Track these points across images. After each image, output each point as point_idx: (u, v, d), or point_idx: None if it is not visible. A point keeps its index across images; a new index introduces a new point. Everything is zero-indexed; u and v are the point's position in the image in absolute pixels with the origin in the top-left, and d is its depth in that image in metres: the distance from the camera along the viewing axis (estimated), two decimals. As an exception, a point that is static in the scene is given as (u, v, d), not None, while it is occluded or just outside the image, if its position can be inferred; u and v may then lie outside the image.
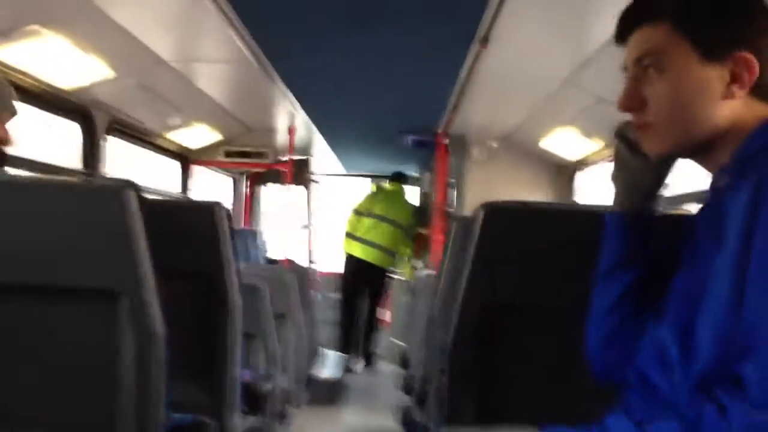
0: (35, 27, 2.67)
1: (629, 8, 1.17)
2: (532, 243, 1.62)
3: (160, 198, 4.50)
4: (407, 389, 3.59)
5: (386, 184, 6.87)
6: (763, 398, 0.90)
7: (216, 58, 3.57)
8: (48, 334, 1.57)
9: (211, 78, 4.04)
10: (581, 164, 4.93)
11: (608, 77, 3.09)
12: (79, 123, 3.76)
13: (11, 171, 2.33)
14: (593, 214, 1.66)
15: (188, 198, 5.57)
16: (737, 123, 1.07)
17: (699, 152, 1.13)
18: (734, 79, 1.06)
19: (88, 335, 1.56)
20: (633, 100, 1.14)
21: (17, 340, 1.57)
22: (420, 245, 6.85)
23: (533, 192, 5.20)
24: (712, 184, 1.13)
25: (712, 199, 1.12)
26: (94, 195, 1.53)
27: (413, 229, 6.72)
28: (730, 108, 1.07)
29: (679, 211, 1.63)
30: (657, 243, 1.28)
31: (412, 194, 7.27)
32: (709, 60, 1.07)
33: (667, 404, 1.08)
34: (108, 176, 4.07)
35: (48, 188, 1.57)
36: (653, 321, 1.18)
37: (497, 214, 1.62)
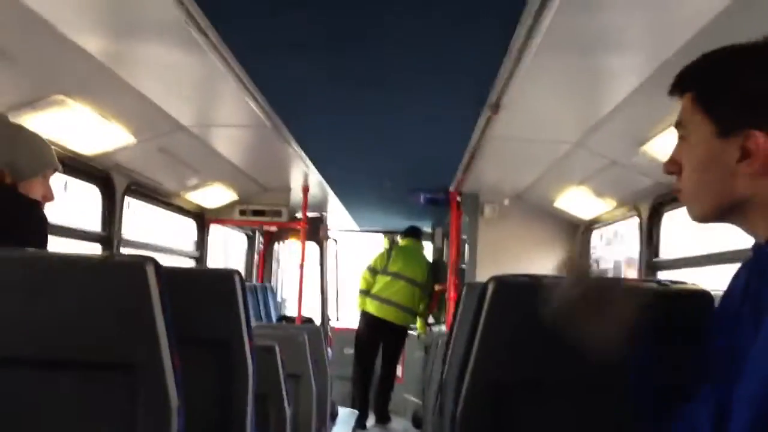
0: (60, 97, 2.77)
1: (677, 76, 1.20)
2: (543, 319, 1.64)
3: (176, 267, 4.56)
4: (420, 452, 3.56)
5: (401, 240, 6.90)
6: None
7: (232, 122, 3.67)
8: (66, 409, 1.59)
9: (227, 140, 4.14)
10: (594, 223, 4.95)
11: (619, 140, 3.18)
12: (98, 186, 3.85)
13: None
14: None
15: (204, 263, 5.64)
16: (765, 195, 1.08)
17: (734, 220, 1.14)
18: (745, 155, 1.07)
19: (105, 408, 1.59)
20: (671, 164, 1.19)
21: (35, 415, 1.60)
22: (435, 302, 6.86)
23: (546, 250, 5.21)
24: (756, 249, 1.11)
25: (759, 275, 1.10)
26: (114, 271, 1.57)
27: (429, 286, 6.73)
28: (751, 181, 1.08)
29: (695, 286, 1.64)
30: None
31: (425, 250, 7.30)
32: (722, 134, 1.10)
33: None
34: (127, 240, 4.14)
35: (69, 264, 1.62)
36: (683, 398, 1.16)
37: (507, 287, 1.64)
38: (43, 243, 2.08)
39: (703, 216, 1.16)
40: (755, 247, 1.12)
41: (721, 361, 1.09)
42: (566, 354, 1.61)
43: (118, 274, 1.56)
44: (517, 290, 1.63)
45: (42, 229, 2.13)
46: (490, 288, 1.62)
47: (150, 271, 1.53)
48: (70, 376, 1.58)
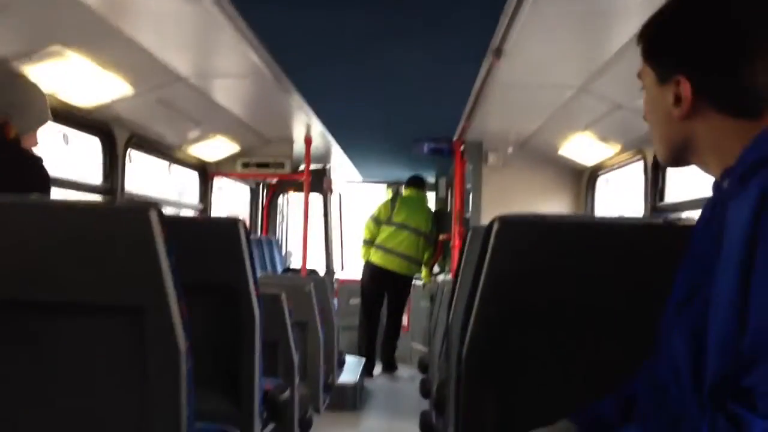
0: (57, 47, 2.74)
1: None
2: (546, 256, 1.65)
3: (180, 216, 4.57)
4: (426, 394, 3.62)
5: (404, 191, 6.90)
6: None
7: (232, 72, 3.63)
8: (75, 351, 1.62)
9: (228, 92, 4.10)
10: (598, 169, 4.94)
11: (624, 83, 3.13)
12: (99, 138, 3.84)
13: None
14: (609, 227, 1.70)
15: (208, 215, 5.65)
16: (714, 138, 1.14)
17: (692, 161, 1.20)
18: (677, 100, 1.15)
19: (114, 351, 1.61)
20: (645, 113, 1.26)
21: (44, 357, 1.63)
22: (439, 252, 6.89)
23: (550, 197, 5.21)
24: (715, 187, 1.17)
25: (713, 208, 1.16)
26: (117, 216, 1.58)
27: (433, 235, 6.75)
28: (698, 125, 1.14)
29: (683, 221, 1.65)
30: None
31: (429, 200, 7.30)
32: (660, 82, 1.18)
33: (680, 416, 1.09)
34: (130, 193, 4.14)
35: (73, 210, 1.62)
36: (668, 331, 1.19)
37: (512, 227, 1.64)
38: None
39: (666, 159, 1.24)
40: (713, 184, 1.17)
41: (689, 291, 1.13)
42: (570, 292, 1.63)
43: (122, 219, 1.56)
44: (522, 229, 1.64)
45: (46, 186, 2.18)
46: (495, 228, 1.62)
47: (153, 216, 1.54)
48: (79, 320, 1.60)
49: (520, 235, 1.64)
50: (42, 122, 2.40)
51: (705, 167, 1.19)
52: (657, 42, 1.20)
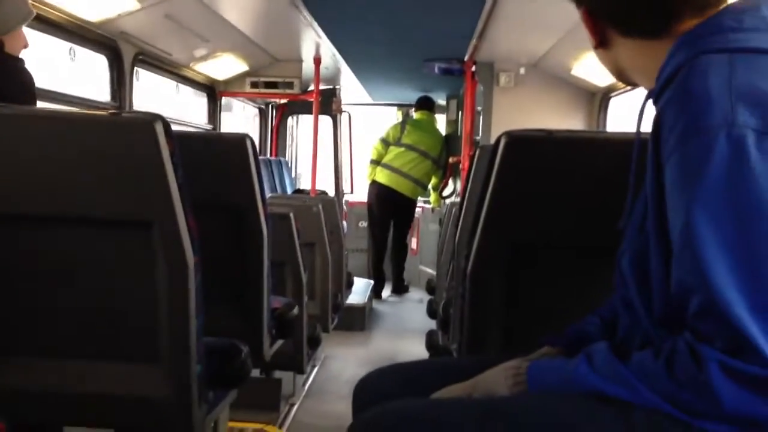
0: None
1: None
2: (555, 173, 1.63)
3: (187, 131, 4.54)
4: (432, 314, 3.67)
5: (415, 113, 6.82)
6: (714, 334, 0.90)
7: (240, -13, 3.55)
8: (84, 264, 1.63)
9: (237, 8, 4.02)
10: (611, 90, 4.85)
11: None
12: (106, 55, 3.79)
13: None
14: (620, 142, 1.66)
15: (216, 131, 5.62)
16: (635, 62, 1.15)
17: (633, 82, 1.21)
18: (589, 31, 1.17)
19: (123, 264, 1.63)
20: None
21: (54, 271, 1.64)
22: (449, 174, 6.86)
23: (562, 119, 5.14)
24: (642, 107, 1.16)
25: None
26: (122, 127, 1.56)
27: (442, 159, 6.70)
28: (618, 52, 1.16)
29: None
30: None
31: (439, 122, 7.23)
32: (584, 15, 1.18)
33: (646, 331, 1.10)
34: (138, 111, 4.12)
35: (77, 121, 1.61)
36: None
37: (520, 142, 1.62)
38: (33, 103, 2.08)
39: (616, 79, 1.25)
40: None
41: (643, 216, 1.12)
42: (578, 209, 1.62)
43: (127, 130, 1.55)
44: (530, 144, 1.61)
45: (27, 90, 2.11)
46: (502, 143, 1.60)
47: (158, 127, 1.53)
48: (85, 233, 1.61)
49: (528, 151, 1.62)
50: (21, 18, 2.19)
51: (644, 86, 1.18)
52: None
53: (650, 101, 1.09)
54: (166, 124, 1.56)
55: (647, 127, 1.12)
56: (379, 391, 1.32)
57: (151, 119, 1.53)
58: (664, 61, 1.05)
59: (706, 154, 0.90)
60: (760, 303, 0.88)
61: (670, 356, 0.95)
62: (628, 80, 1.21)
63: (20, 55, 2.17)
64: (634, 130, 1.19)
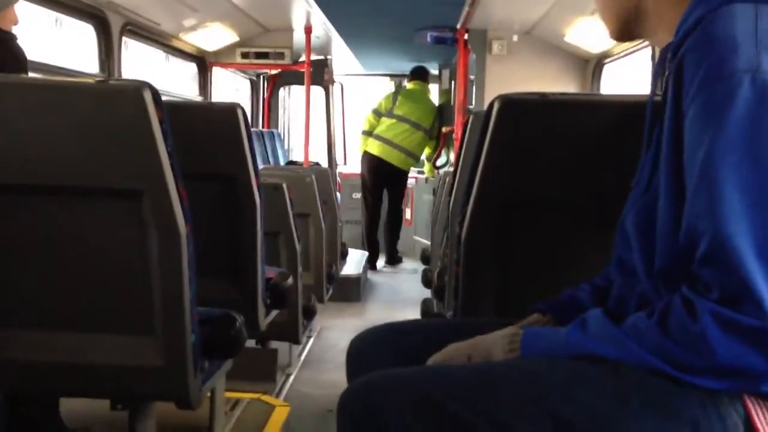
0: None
1: None
2: (549, 136, 1.61)
3: (177, 100, 4.50)
4: (427, 283, 3.67)
5: (408, 84, 6.78)
6: (718, 285, 0.90)
7: (228, -46, 3.50)
8: (75, 235, 1.62)
9: (225, -24, 3.97)
10: (604, 57, 4.82)
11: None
12: (93, 26, 3.73)
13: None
14: (614, 105, 1.65)
15: (206, 100, 5.58)
16: (657, 7, 1.11)
17: (641, 34, 1.18)
18: None
19: (114, 234, 1.61)
20: None
21: (45, 241, 1.63)
22: (443, 145, 6.83)
23: (555, 87, 5.11)
24: (659, 61, 1.14)
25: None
26: (110, 95, 1.54)
27: (435, 130, 6.67)
28: None
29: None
30: None
31: (432, 92, 7.18)
32: None
33: (643, 292, 1.09)
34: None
35: (64, 89, 1.58)
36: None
37: (513, 106, 1.61)
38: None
39: (616, 32, 1.21)
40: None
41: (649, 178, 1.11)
42: (571, 173, 1.61)
43: (115, 98, 1.52)
44: (523, 108, 1.60)
45: (20, 65, 2.10)
46: (495, 107, 1.58)
47: (147, 95, 1.50)
48: (75, 203, 1.59)
49: (522, 114, 1.60)
50: None
51: (654, 40, 1.17)
52: None
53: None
54: (155, 92, 1.54)
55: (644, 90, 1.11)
56: (373, 352, 1.32)
57: (139, 86, 1.51)
58: (685, 11, 1.04)
59: (730, 98, 0.90)
60: None
61: (663, 312, 0.94)
62: (636, 31, 1.18)
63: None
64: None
